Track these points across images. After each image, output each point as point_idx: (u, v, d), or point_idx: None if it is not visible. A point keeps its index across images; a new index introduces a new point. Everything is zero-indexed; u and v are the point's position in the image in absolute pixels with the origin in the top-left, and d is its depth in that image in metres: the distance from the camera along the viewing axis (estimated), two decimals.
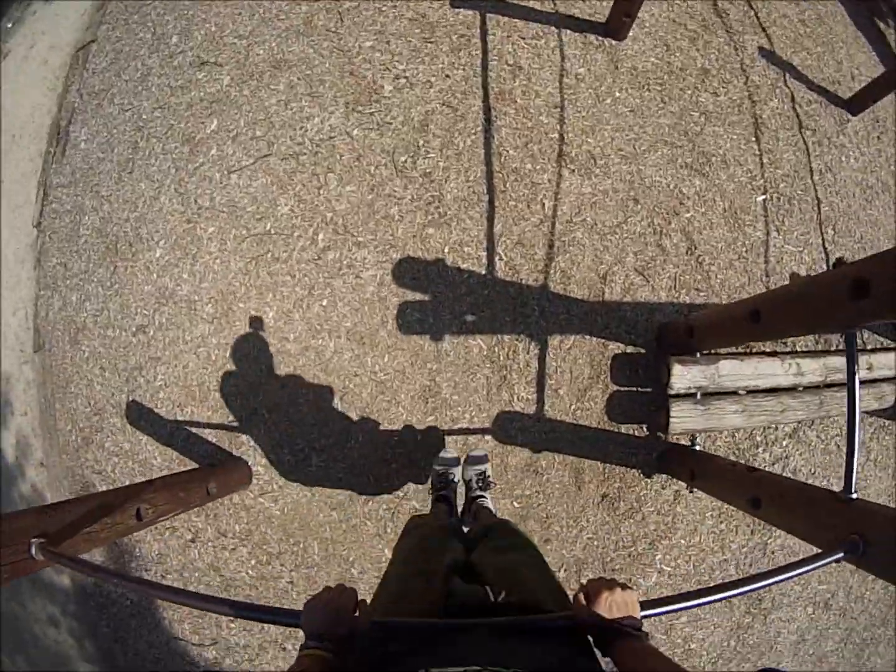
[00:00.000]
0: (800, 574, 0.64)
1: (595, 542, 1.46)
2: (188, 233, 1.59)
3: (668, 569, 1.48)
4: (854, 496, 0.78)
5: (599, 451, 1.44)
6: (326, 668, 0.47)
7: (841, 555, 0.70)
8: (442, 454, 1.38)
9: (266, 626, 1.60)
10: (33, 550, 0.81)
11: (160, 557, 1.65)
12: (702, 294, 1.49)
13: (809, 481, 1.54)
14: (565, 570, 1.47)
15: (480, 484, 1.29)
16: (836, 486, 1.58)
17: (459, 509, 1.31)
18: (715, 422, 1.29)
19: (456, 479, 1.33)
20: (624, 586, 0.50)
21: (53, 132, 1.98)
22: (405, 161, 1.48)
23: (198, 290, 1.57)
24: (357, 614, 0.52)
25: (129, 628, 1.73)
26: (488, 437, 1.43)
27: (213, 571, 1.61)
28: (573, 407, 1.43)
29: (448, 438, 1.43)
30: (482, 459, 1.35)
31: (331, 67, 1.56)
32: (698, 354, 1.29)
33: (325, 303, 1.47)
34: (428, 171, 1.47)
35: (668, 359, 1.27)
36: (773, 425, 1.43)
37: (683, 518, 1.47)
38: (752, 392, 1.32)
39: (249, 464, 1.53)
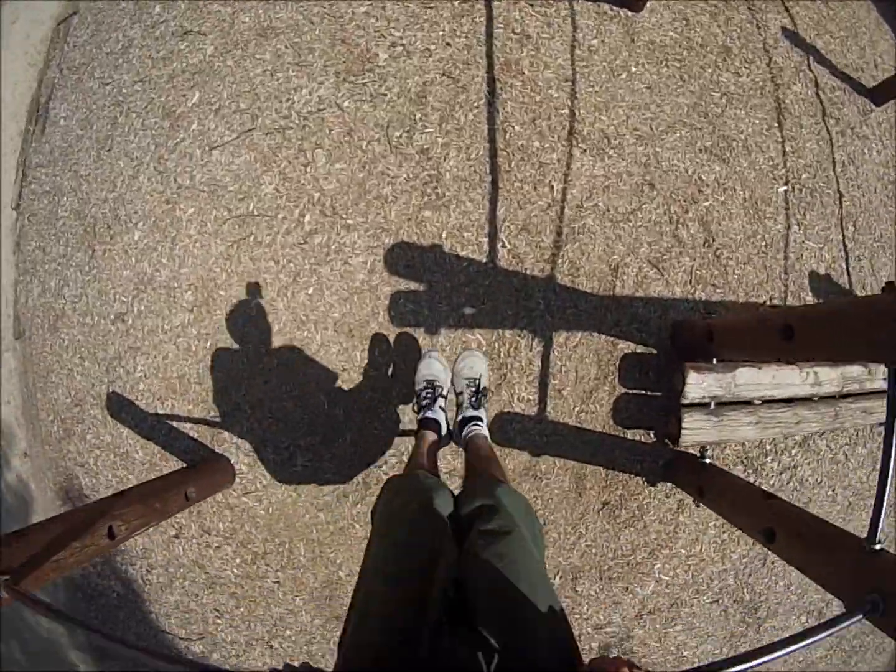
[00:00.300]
0: (820, 639, 0.53)
1: (593, 550, 1.25)
2: (167, 214, 1.32)
3: (667, 578, 1.27)
4: (878, 547, 0.66)
5: (603, 456, 1.21)
6: None
7: (860, 617, 0.59)
8: (424, 361, 1.00)
9: (252, 623, 1.39)
10: None
11: (144, 552, 1.43)
12: (718, 290, 1.23)
13: (815, 491, 1.33)
14: (561, 577, 1.26)
15: (473, 400, 0.95)
16: (841, 497, 1.39)
17: (451, 426, 1.01)
18: (728, 434, 1.07)
19: (445, 392, 1.00)
20: (632, 666, 0.41)
21: (33, 109, 1.68)
22: (400, 136, 1.21)
23: (177, 275, 1.31)
24: None
25: (118, 619, 1.53)
26: None
27: (197, 568, 1.39)
28: (577, 409, 1.20)
29: (430, 342, 1.14)
30: (477, 363, 0.98)
31: (321, 34, 1.27)
32: (714, 360, 1.04)
33: (311, 291, 1.22)
34: (425, 147, 1.20)
35: (682, 365, 1.03)
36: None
37: (686, 527, 1.26)
38: (768, 402, 1.09)
39: (232, 462, 1.30)
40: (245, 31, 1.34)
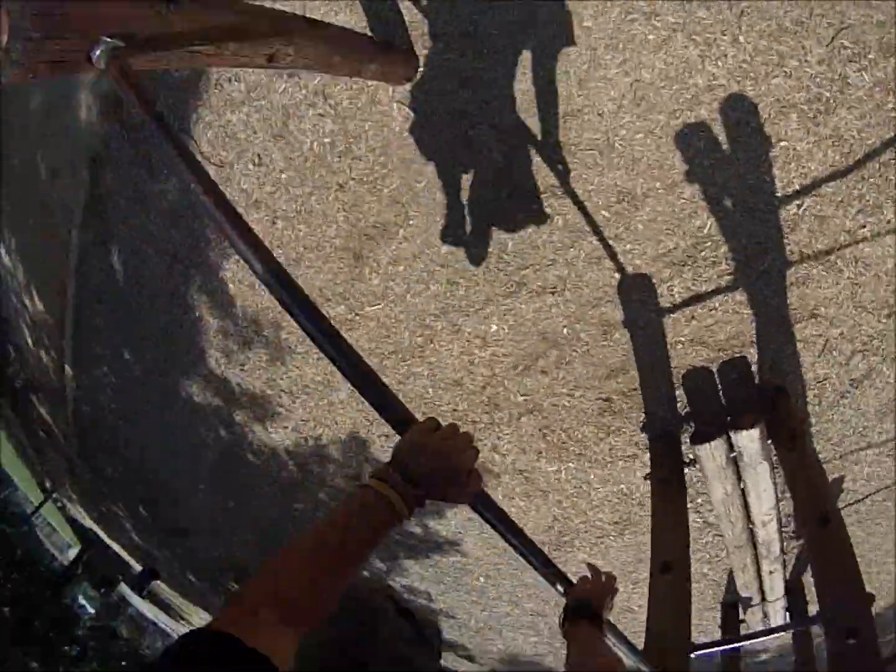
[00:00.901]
0: None
1: (565, 404, 1.21)
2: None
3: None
4: None
5: (652, 376, 1.13)
6: (388, 522, 0.30)
7: None
8: None
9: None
10: (97, 54, 0.42)
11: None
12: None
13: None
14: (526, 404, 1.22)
15: None
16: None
17: None
18: (713, 481, 1.10)
19: None
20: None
21: None
22: None
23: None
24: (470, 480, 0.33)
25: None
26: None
27: (280, 113, 1.12)
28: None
29: None
30: None
31: None
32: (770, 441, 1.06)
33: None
34: None
35: (760, 418, 1.03)
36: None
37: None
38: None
39: (419, 67, 1.04)
40: None
